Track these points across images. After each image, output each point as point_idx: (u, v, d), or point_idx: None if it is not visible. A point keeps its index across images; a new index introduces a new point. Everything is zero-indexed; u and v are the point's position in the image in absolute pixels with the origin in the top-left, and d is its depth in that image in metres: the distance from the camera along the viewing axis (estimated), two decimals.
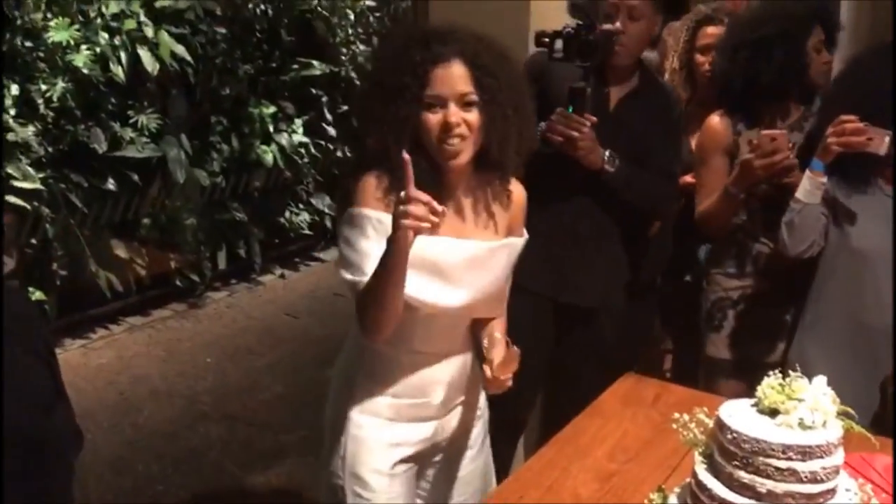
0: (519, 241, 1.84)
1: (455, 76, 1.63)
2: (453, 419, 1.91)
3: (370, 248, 1.64)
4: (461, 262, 1.71)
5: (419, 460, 1.88)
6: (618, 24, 2.27)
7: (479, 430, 1.98)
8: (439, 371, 1.82)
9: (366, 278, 1.63)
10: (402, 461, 1.82)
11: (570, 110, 2.21)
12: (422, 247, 1.57)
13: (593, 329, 2.49)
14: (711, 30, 2.83)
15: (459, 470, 1.95)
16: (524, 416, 2.63)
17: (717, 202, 2.42)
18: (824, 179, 2.20)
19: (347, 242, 1.69)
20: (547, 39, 2.23)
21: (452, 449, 1.94)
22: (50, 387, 1.35)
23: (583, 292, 2.44)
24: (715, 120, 2.49)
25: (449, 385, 1.85)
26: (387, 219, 1.57)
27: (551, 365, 2.54)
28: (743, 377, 2.47)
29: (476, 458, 1.98)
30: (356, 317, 1.70)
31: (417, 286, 1.65)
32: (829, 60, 2.41)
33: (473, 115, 1.64)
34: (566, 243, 2.40)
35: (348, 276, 1.68)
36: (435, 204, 1.48)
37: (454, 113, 1.63)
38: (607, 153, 2.29)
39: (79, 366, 4.20)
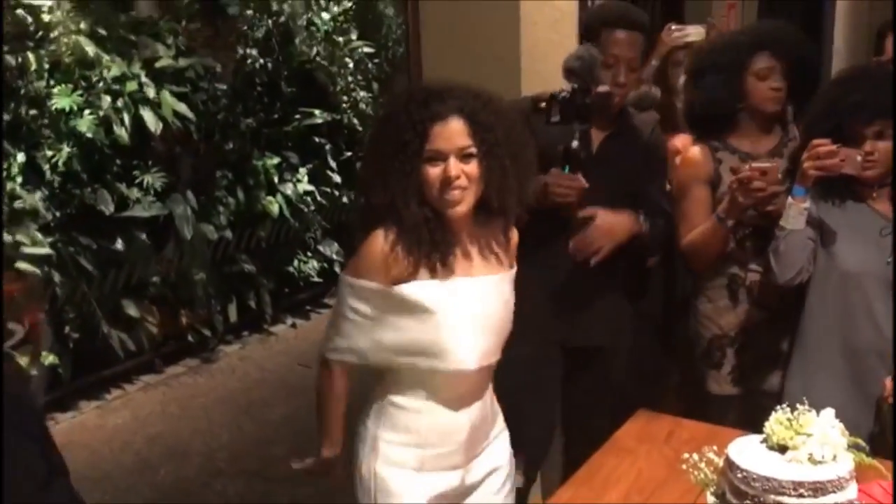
0: (514, 271, 1.93)
1: (453, 131, 1.71)
2: (480, 464, 1.92)
3: (348, 327, 1.79)
4: (478, 299, 1.79)
5: None
6: (619, 79, 2.32)
7: (503, 473, 1.97)
8: (462, 417, 1.85)
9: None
10: None
11: (566, 170, 2.25)
12: (439, 293, 1.73)
13: (603, 368, 2.49)
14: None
15: None
16: (537, 458, 2.61)
17: (706, 233, 2.40)
18: (806, 205, 2.20)
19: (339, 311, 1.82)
20: (543, 104, 2.28)
21: (480, 494, 1.94)
22: (41, 468, 1.34)
23: (590, 333, 2.44)
24: (694, 150, 2.49)
25: (472, 430, 1.87)
26: (378, 289, 1.73)
27: (564, 406, 2.53)
28: (748, 409, 2.46)
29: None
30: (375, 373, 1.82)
31: (450, 335, 1.75)
32: (777, 87, 2.38)
33: (472, 167, 1.72)
34: (570, 287, 2.40)
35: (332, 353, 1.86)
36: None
37: (454, 166, 1.70)
38: (641, 217, 2.36)
39: (95, 427, 4.21)
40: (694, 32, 3.17)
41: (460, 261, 1.79)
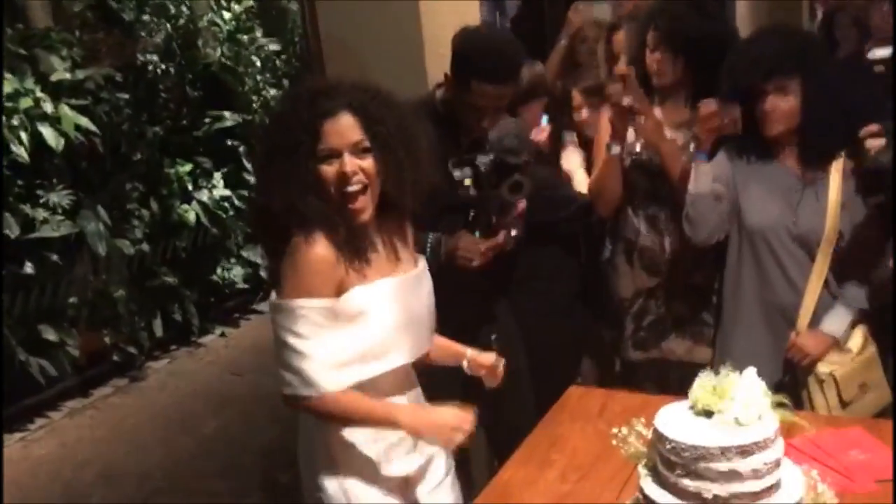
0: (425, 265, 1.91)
1: (344, 126, 1.67)
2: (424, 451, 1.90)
3: (314, 351, 1.66)
4: (404, 296, 1.77)
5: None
6: (483, 124, 2.35)
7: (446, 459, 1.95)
8: (403, 401, 1.84)
9: (317, 390, 1.67)
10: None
11: (477, 235, 2.30)
12: (373, 297, 1.70)
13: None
14: (575, 93, 2.91)
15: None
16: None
17: (601, 168, 2.52)
18: (707, 167, 2.26)
19: (286, 344, 1.68)
20: (458, 173, 2.28)
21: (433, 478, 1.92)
22: None
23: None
24: (606, 114, 2.53)
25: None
26: (327, 305, 1.66)
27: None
28: (654, 374, 2.58)
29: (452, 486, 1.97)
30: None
31: (387, 338, 1.73)
32: (659, 59, 2.43)
33: (368, 162, 1.69)
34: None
35: (293, 390, 1.70)
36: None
37: (349, 162, 1.67)
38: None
39: (19, 460, 4.03)
40: (599, 10, 3.21)
41: (380, 262, 1.77)
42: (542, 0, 4.64)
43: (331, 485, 1.79)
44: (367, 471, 1.79)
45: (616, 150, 2.44)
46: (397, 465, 1.81)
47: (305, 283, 1.66)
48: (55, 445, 4.17)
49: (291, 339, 1.66)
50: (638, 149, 2.48)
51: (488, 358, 1.96)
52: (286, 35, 6.34)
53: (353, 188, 1.67)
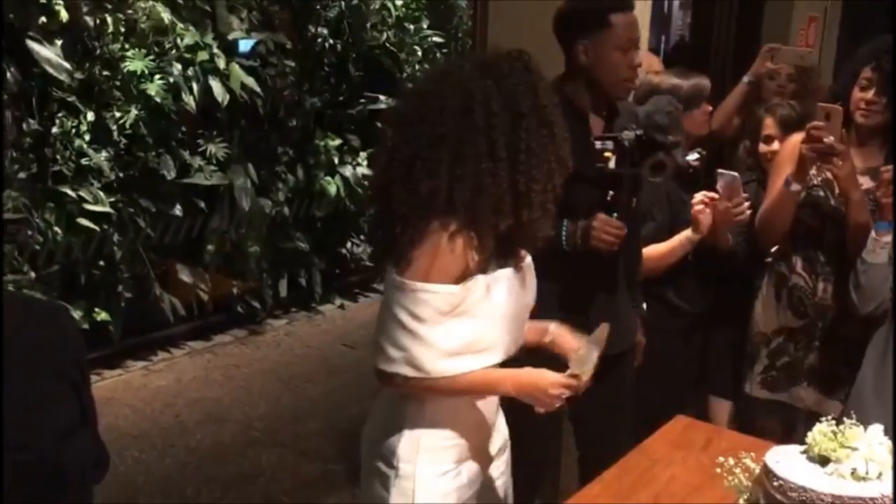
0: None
1: None
2: (503, 454, 1.91)
3: (432, 337, 1.64)
4: (517, 289, 1.75)
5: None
6: (636, 62, 2.25)
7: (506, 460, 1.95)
8: (488, 401, 1.83)
9: (427, 374, 1.64)
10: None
11: (614, 216, 2.21)
12: (487, 287, 1.67)
13: (620, 372, 2.43)
14: (770, 121, 2.80)
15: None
16: (545, 464, 2.57)
17: (774, 201, 2.42)
18: (888, 238, 2.17)
19: (401, 323, 1.65)
20: (608, 153, 2.18)
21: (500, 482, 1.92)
22: (72, 413, 1.36)
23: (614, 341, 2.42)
24: (794, 139, 2.43)
25: (493, 414, 1.87)
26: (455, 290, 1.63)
27: (578, 419, 2.50)
28: (781, 420, 2.48)
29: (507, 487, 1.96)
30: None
31: (497, 330, 1.70)
32: (871, 99, 2.31)
33: None
34: (586, 296, 2.36)
35: (396, 368, 1.66)
36: None
37: None
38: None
39: (139, 387, 4.28)
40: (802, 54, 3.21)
41: (497, 252, 1.72)
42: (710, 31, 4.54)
43: (404, 449, 1.73)
44: (444, 472, 1.75)
45: (796, 187, 2.33)
46: (468, 473, 1.79)
47: (437, 267, 1.63)
48: (172, 380, 4.40)
49: (409, 321, 1.63)
50: (816, 182, 2.39)
51: (570, 338, 1.84)
52: (450, 30, 6.45)
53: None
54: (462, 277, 1.66)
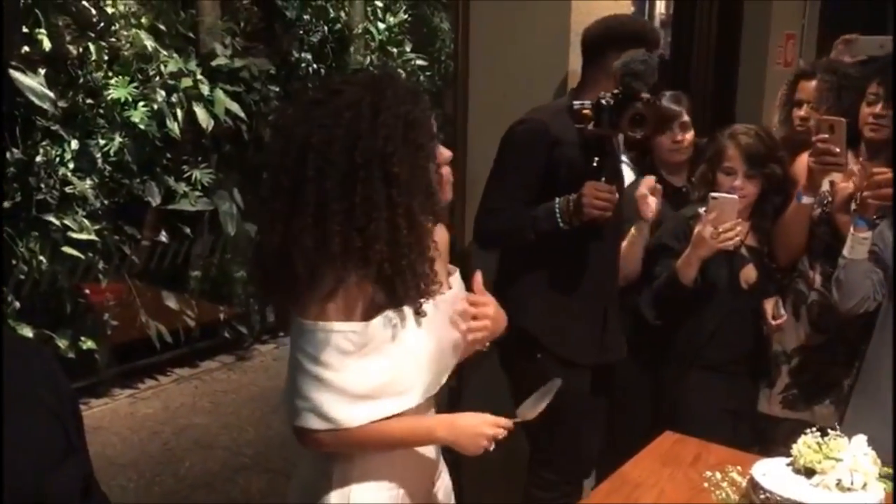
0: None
1: None
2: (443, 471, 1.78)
3: (344, 383, 1.46)
4: (436, 321, 1.56)
5: None
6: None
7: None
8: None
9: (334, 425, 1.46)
10: None
11: (603, 180, 2.18)
12: (397, 322, 1.48)
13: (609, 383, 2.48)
14: (805, 83, 2.75)
15: None
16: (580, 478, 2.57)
17: (788, 215, 2.40)
18: (866, 235, 2.14)
19: (305, 370, 1.47)
20: (587, 111, 2.17)
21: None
22: (58, 444, 1.34)
23: (616, 350, 2.45)
24: (805, 157, 2.42)
25: (434, 452, 1.71)
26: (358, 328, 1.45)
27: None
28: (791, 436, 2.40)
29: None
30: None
31: (414, 370, 1.53)
32: (879, 114, 2.31)
33: None
34: (599, 309, 2.38)
35: (303, 422, 1.47)
36: None
37: None
38: None
39: (126, 416, 4.25)
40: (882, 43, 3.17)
41: None
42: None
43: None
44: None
45: (807, 200, 2.33)
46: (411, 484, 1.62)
47: (335, 305, 1.45)
48: (160, 407, 4.38)
49: (312, 366, 1.45)
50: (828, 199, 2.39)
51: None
52: (434, 53, 6.50)
53: None
54: (366, 315, 1.48)
